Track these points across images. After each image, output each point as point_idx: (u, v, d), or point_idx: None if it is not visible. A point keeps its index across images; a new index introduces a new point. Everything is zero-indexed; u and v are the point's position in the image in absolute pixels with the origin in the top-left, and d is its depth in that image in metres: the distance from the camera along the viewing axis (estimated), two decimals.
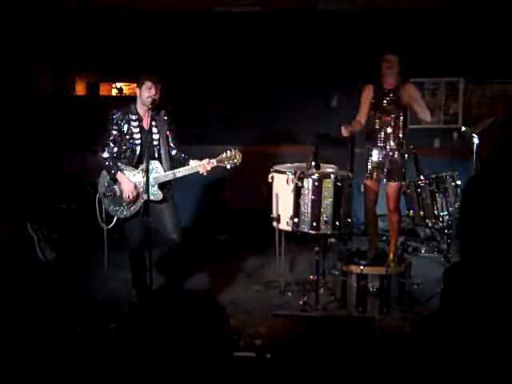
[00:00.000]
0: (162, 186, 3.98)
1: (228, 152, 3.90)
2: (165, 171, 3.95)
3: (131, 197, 3.93)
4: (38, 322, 3.88)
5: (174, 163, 4.04)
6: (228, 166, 3.90)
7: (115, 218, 4.04)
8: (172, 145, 4.07)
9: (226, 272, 5.24)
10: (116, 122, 3.95)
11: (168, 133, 4.05)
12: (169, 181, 4.04)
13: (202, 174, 3.95)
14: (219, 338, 3.73)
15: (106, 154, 3.96)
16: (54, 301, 4.32)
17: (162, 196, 3.94)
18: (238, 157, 3.89)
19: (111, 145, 3.96)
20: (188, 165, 3.99)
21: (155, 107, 3.96)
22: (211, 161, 3.90)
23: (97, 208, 4.03)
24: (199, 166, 3.91)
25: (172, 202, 4.08)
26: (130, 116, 3.97)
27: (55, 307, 4.19)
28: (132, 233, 4.10)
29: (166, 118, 4.04)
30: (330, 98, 6.13)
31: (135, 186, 3.94)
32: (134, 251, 4.15)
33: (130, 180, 3.94)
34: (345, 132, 4.37)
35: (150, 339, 3.64)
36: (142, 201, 3.96)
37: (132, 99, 4.13)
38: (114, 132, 3.95)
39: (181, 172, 3.94)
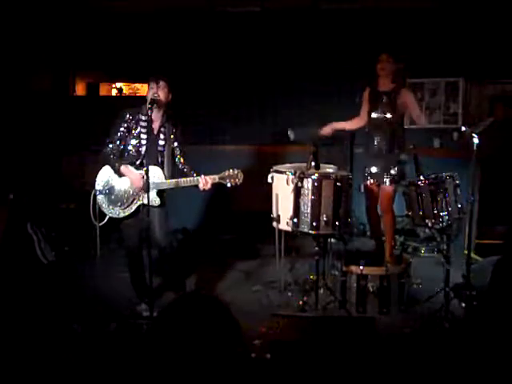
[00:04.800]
0: (160, 192, 3.98)
1: (230, 170, 3.94)
2: (165, 179, 3.96)
3: (140, 185, 3.90)
4: (37, 320, 3.89)
5: (178, 174, 4.05)
6: (228, 185, 3.94)
7: (107, 217, 4.03)
8: (180, 158, 4.10)
9: (226, 272, 5.24)
10: (126, 120, 3.98)
11: (176, 144, 4.07)
12: (165, 188, 4.03)
13: (203, 190, 3.92)
14: (219, 338, 3.73)
15: (110, 149, 3.98)
16: (54, 300, 4.33)
17: (159, 202, 3.95)
18: (239, 176, 3.95)
19: (117, 142, 3.99)
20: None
21: (166, 116, 4.01)
22: (213, 177, 3.93)
23: (91, 205, 4.03)
24: (201, 178, 3.91)
25: (165, 209, 4.07)
26: (140, 116, 3.99)
27: (54, 306, 4.20)
28: (129, 233, 4.09)
29: (175, 130, 4.06)
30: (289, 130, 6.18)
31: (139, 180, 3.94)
32: (132, 252, 4.14)
33: (137, 174, 3.95)
34: (326, 131, 4.71)
35: (147, 339, 3.63)
36: (137, 203, 3.97)
37: (132, 99, 4.14)
38: (122, 129, 3.98)
39: (183, 183, 3.95)
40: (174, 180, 3.96)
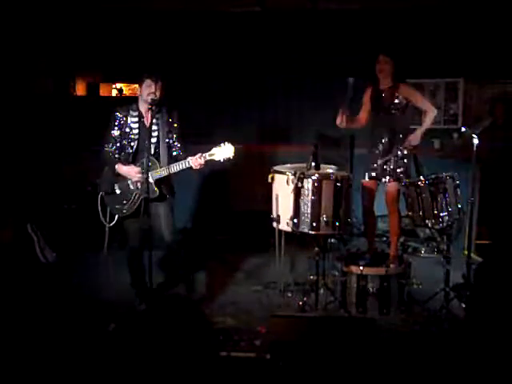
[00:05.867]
0: (160, 184, 3.97)
1: (221, 145, 3.87)
2: (160, 167, 3.96)
3: (139, 178, 3.93)
4: (37, 320, 3.89)
5: (174, 162, 4.03)
6: (221, 160, 3.86)
7: (116, 216, 4.07)
8: (175, 146, 4.10)
9: (225, 272, 5.25)
10: (117, 118, 4.02)
11: (170, 134, 4.07)
12: (168, 181, 4.04)
13: (197, 169, 3.92)
14: (217, 338, 3.73)
15: (107, 151, 4.03)
16: (54, 300, 4.33)
17: (158, 194, 3.95)
18: (230, 150, 3.85)
19: (112, 141, 4.03)
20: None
21: (158, 107, 3.99)
22: (203, 155, 3.88)
23: (99, 206, 4.06)
24: (192, 159, 3.88)
25: (169, 203, 4.09)
26: (131, 112, 4.03)
27: (54, 306, 4.20)
28: (132, 233, 4.12)
29: (170, 119, 4.07)
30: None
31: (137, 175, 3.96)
32: (134, 252, 4.17)
33: (130, 166, 3.98)
34: (340, 119, 4.40)
35: (148, 339, 3.63)
36: (140, 199, 3.97)
37: (132, 100, 4.15)
38: (116, 128, 4.02)
39: (175, 167, 3.93)
40: (164, 167, 3.95)
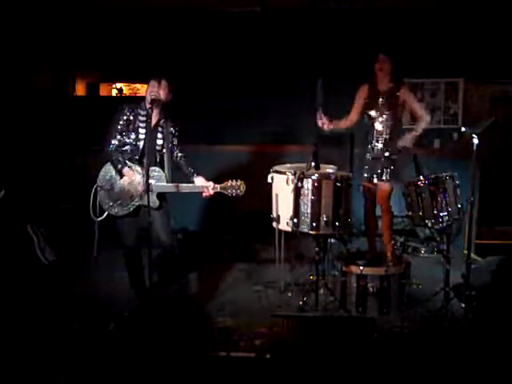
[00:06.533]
0: (160, 194, 3.96)
1: (233, 181, 3.93)
2: (167, 182, 3.95)
3: (142, 189, 3.91)
4: (37, 320, 3.90)
5: (179, 174, 4.04)
6: (230, 195, 3.93)
7: (106, 213, 4.03)
8: (177, 156, 4.09)
9: (226, 272, 5.25)
10: (124, 114, 3.98)
11: (173, 143, 4.06)
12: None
13: (206, 196, 3.96)
14: (217, 337, 3.73)
15: (113, 146, 3.98)
16: (53, 300, 4.33)
17: (157, 204, 3.93)
18: (241, 188, 3.93)
19: (118, 137, 3.98)
20: (193, 181, 4.00)
21: (163, 111, 4.00)
22: (215, 186, 3.94)
23: (91, 199, 4.02)
24: (203, 187, 3.95)
25: (165, 209, 4.06)
26: (139, 111, 3.99)
27: (54, 307, 4.20)
28: (126, 234, 4.09)
29: (171, 128, 4.05)
30: None
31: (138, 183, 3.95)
32: (130, 252, 4.16)
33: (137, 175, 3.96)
34: (321, 122, 4.51)
35: (148, 339, 3.64)
36: (135, 203, 3.97)
37: (131, 99, 4.14)
38: (122, 123, 3.98)
39: (184, 188, 3.95)
40: (173, 184, 3.95)
